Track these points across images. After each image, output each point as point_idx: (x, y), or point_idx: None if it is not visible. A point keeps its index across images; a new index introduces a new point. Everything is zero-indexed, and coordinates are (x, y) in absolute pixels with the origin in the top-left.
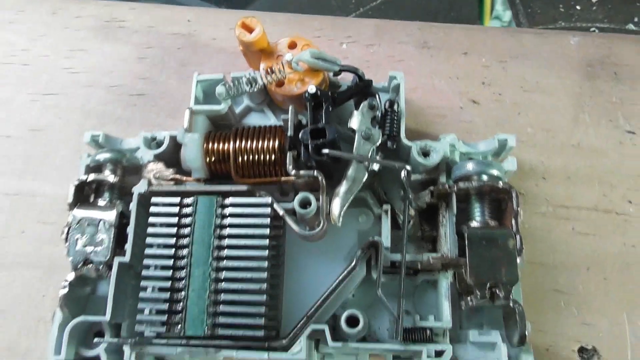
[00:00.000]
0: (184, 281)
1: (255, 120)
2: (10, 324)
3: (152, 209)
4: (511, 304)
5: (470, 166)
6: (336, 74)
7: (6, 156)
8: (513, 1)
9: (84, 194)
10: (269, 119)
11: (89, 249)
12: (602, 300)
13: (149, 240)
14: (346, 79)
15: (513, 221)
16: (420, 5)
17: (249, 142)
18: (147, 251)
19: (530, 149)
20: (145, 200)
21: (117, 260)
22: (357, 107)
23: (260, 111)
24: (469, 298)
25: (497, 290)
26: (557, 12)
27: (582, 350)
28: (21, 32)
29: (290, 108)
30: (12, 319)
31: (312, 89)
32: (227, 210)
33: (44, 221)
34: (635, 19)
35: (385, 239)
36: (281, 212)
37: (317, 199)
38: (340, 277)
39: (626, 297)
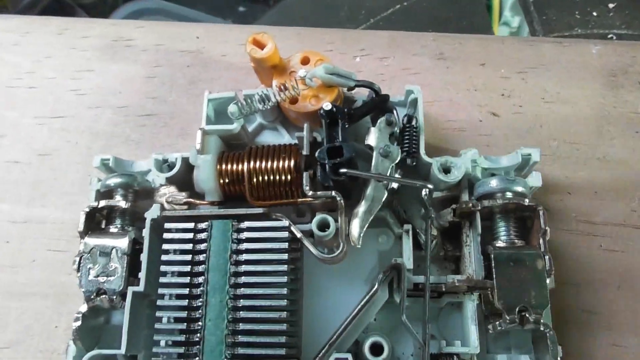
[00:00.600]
0: (200, 310)
1: (268, 138)
2: (24, 357)
3: (166, 235)
4: (542, 328)
5: (494, 183)
6: (350, 88)
7: (14, 182)
8: (527, 9)
9: (94, 221)
10: (283, 137)
11: (102, 278)
12: (634, 320)
13: (163, 268)
14: (361, 94)
15: (541, 240)
16: (432, 15)
17: (263, 162)
18: (162, 280)
19: (553, 162)
20: (158, 226)
21: (131, 290)
22: (373, 123)
23: (273, 129)
24: (497, 323)
25: (527, 314)
26: (573, 18)
27: None
28: (26, 54)
29: (305, 126)
30: (25, 351)
31: (327, 105)
32: (243, 235)
33: (54, 249)
34: None
35: (407, 260)
36: (299, 235)
37: (336, 220)
38: (362, 302)
39: None
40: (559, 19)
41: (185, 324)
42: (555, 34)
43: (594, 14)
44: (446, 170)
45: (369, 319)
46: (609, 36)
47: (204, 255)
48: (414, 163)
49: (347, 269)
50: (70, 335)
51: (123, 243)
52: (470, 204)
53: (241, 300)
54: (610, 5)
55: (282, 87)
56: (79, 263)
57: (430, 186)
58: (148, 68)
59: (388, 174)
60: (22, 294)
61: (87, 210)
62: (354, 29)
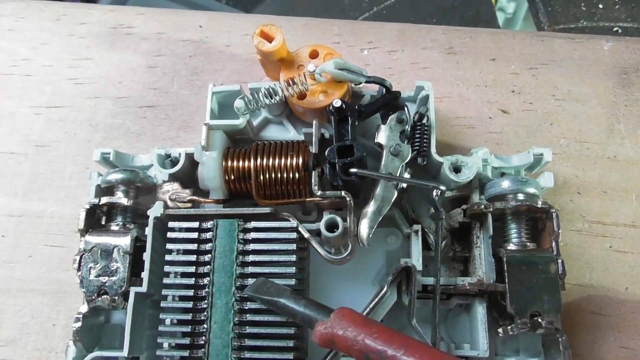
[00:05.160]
0: (205, 312)
1: (273, 132)
2: (20, 355)
3: (170, 235)
4: (554, 333)
5: (505, 184)
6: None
7: (10, 174)
8: (533, 0)
9: (94, 217)
10: (289, 131)
11: (104, 278)
12: None
13: (166, 268)
14: (369, 88)
15: (553, 243)
16: (437, 4)
17: (270, 160)
18: (165, 280)
19: (563, 161)
20: (161, 224)
21: (133, 291)
22: (383, 120)
23: (279, 123)
24: (509, 327)
25: (539, 319)
26: (579, 10)
27: None
28: (22, 41)
29: (314, 123)
30: (22, 349)
31: (337, 102)
32: (250, 235)
33: (52, 244)
34: None
35: (417, 261)
36: (307, 236)
37: (344, 220)
38: (371, 305)
39: None
40: (564, 10)
41: (190, 326)
42: (561, 26)
43: (600, 6)
44: (457, 169)
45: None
46: (615, 29)
47: (209, 255)
48: (425, 162)
49: (354, 269)
50: (68, 333)
51: (125, 241)
52: (482, 206)
53: (248, 303)
54: None
55: (290, 82)
56: (80, 262)
57: (443, 188)
58: (149, 57)
59: (398, 173)
60: (19, 291)
61: (88, 207)
62: (362, 21)
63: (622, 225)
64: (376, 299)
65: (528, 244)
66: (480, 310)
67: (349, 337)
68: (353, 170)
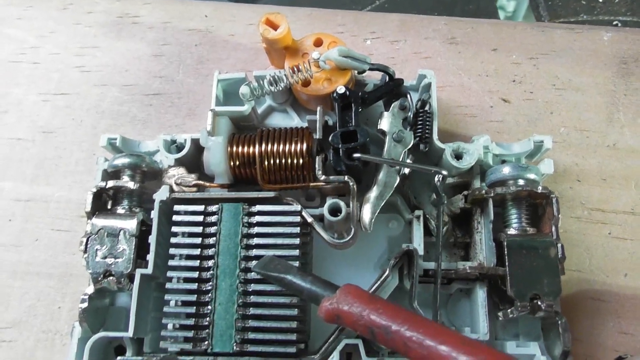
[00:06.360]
0: (210, 294)
1: (278, 120)
2: (26, 337)
3: (175, 218)
4: (554, 317)
5: (506, 170)
6: (362, 71)
7: (18, 160)
8: None
9: (101, 201)
10: (293, 119)
11: (110, 260)
12: None
13: (172, 250)
14: (372, 77)
15: (553, 228)
16: None
17: (275, 145)
18: (171, 262)
19: (563, 149)
20: (167, 208)
21: (139, 273)
22: (386, 107)
23: (283, 111)
24: (509, 310)
25: (539, 302)
26: (579, 4)
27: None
28: (30, 29)
29: (318, 109)
30: (29, 331)
31: (341, 89)
32: (254, 219)
33: (58, 228)
34: None
35: (418, 246)
36: (310, 220)
37: (347, 205)
38: (373, 288)
39: None
40: (564, 4)
41: (195, 307)
42: (561, 20)
43: (600, 0)
44: (458, 156)
45: None
46: (614, 23)
47: (214, 238)
48: (427, 149)
49: (356, 254)
50: (73, 316)
51: (131, 224)
52: (483, 191)
53: (252, 285)
54: None
55: (294, 69)
56: (86, 244)
57: (444, 173)
58: (155, 46)
59: (400, 160)
60: (26, 274)
61: (95, 190)
62: (365, 11)
63: (622, 213)
64: (378, 283)
65: (528, 229)
66: (480, 294)
67: (354, 313)
68: (357, 155)
